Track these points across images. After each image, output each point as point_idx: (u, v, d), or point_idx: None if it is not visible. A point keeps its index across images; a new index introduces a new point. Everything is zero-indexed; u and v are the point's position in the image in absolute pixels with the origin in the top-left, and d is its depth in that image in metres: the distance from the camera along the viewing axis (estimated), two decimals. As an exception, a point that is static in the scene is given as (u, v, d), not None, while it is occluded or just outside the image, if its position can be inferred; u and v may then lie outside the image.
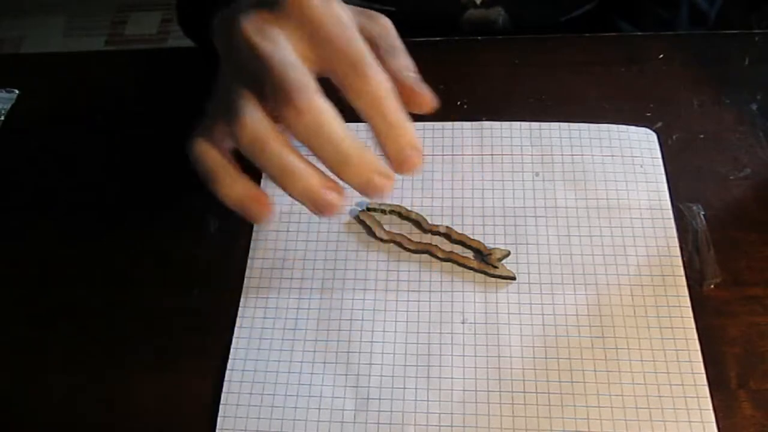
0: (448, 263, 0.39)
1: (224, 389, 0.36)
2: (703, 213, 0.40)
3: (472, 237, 0.40)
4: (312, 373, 0.36)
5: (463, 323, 0.37)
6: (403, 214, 0.41)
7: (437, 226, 0.41)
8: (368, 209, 0.41)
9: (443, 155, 0.43)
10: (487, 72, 0.48)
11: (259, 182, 0.31)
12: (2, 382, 0.38)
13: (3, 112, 0.48)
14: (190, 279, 0.40)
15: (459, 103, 0.46)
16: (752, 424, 0.34)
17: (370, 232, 0.41)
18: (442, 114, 0.45)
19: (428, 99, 0.30)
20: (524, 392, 0.35)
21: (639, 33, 0.53)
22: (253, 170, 0.29)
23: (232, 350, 0.37)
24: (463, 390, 0.35)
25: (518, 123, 0.44)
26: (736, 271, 0.38)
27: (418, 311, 0.38)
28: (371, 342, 0.37)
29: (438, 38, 0.49)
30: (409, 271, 0.39)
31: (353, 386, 0.36)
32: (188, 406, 0.36)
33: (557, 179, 0.42)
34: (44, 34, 1.60)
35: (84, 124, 0.48)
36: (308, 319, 0.38)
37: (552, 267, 0.39)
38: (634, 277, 0.38)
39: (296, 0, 0.29)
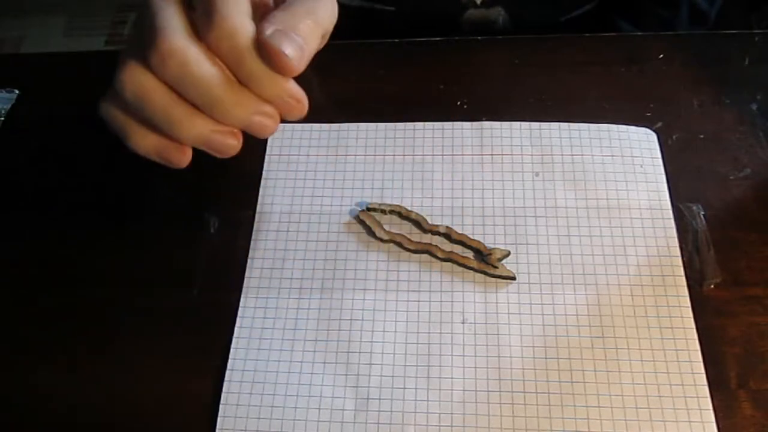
0: (448, 263, 0.39)
1: (224, 389, 0.36)
2: (703, 213, 0.40)
3: (472, 237, 0.40)
4: (312, 373, 0.36)
5: (463, 323, 0.37)
6: (403, 214, 0.41)
7: (437, 226, 0.41)
8: (368, 209, 0.41)
9: (443, 155, 0.43)
10: (487, 72, 0.48)
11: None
12: (2, 382, 0.38)
13: (3, 112, 0.48)
14: (190, 279, 0.40)
15: (459, 103, 0.46)
16: (752, 424, 0.34)
17: (370, 232, 0.41)
18: (442, 114, 0.45)
19: (286, 61, 0.27)
20: (524, 392, 0.35)
21: (639, 33, 0.53)
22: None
23: (232, 350, 0.37)
24: (463, 390, 0.35)
25: (518, 123, 0.44)
26: (736, 271, 0.38)
27: (418, 311, 0.38)
28: (371, 342, 0.37)
29: (438, 38, 0.49)
30: (409, 271, 0.39)
31: (353, 386, 0.36)
32: (188, 406, 0.36)
33: (557, 179, 0.42)
34: (44, 34, 1.60)
35: (84, 124, 0.47)
36: (308, 319, 0.38)
37: (552, 267, 0.39)
38: (634, 277, 0.38)
39: None
